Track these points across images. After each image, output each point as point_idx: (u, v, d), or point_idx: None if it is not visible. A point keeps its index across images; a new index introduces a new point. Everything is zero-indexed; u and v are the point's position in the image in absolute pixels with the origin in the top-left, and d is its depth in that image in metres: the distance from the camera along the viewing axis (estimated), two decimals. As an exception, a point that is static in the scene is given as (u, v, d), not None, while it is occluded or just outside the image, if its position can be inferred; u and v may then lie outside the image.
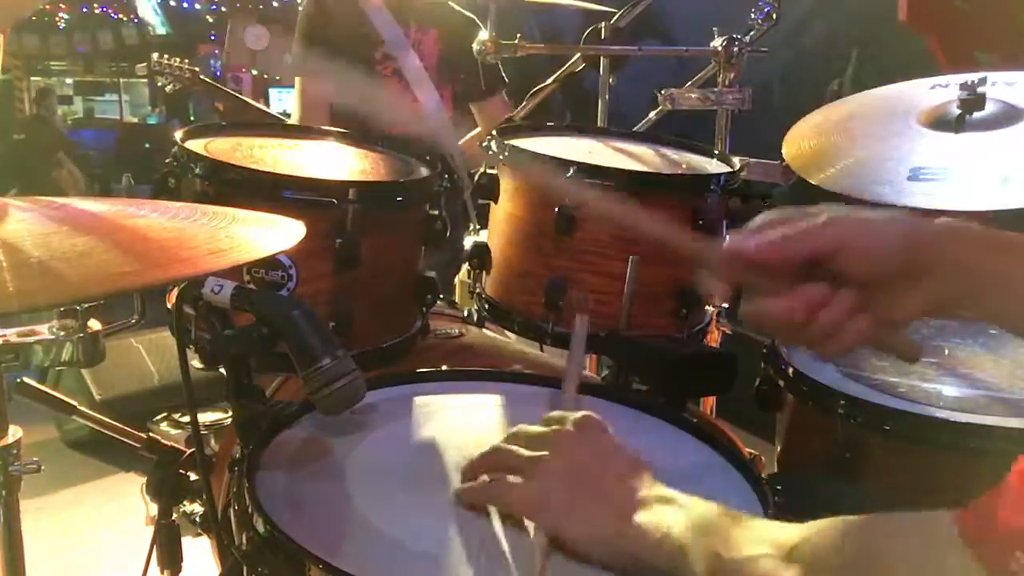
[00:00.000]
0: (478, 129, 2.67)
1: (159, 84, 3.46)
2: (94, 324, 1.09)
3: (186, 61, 3.43)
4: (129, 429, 1.43)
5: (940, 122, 1.45)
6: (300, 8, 2.70)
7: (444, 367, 1.32)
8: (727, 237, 0.85)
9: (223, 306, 1.02)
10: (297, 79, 2.64)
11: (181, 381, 1.06)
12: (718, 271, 0.86)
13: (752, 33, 1.87)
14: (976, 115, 1.43)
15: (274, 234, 0.95)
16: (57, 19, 8.01)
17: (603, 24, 2.06)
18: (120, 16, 8.27)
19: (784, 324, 0.80)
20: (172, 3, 8.17)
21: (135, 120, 8.84)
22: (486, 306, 1.52)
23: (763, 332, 0.85)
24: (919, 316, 0.78)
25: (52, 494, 3.23)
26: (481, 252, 1.51)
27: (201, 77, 3.44)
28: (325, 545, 0.82)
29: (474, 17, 2.54)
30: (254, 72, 7.91)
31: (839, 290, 0.78)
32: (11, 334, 1.06)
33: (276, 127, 1.70)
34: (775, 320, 0.80)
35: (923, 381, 1.27)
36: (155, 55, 3.43)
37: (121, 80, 8.81)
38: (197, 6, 8.31)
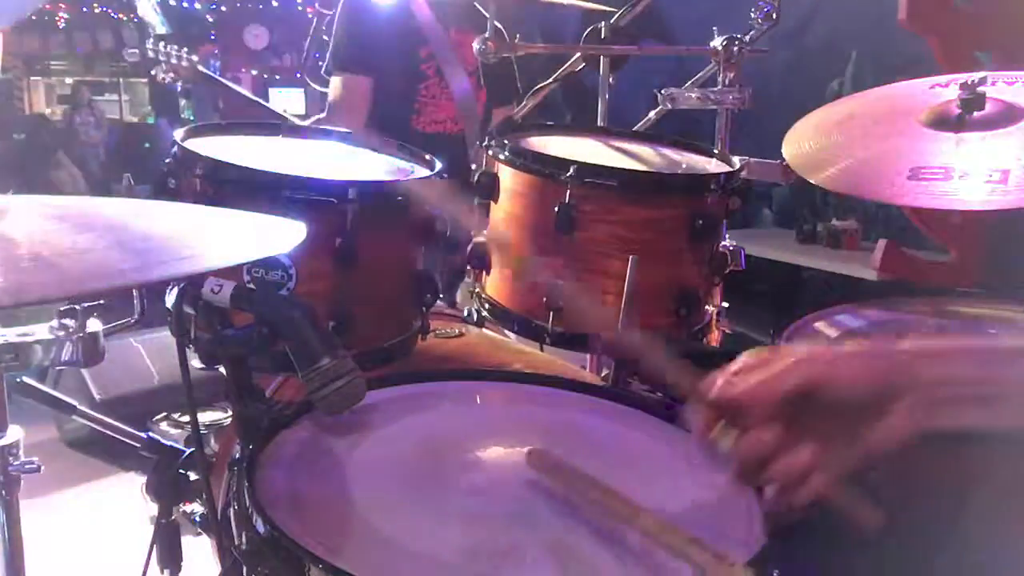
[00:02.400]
0: None
1: (153, 73, 3.09)
2: (94, 324, 1.09)
3: (184, 50, 3.11)
4: (129, 429, 1.43)
5: (940, 122, 1.45)
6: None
7: (444, 367, 1.32)
8: (712, 377, 0.87)
9: (223, 306, 1.02)
10: (339, 77, 2.57)
11: (181, 381, 1.06)
12: (702, 410, 0.87)
13: (752, 33, 1.87)
14: (976, 115, 1.43)
15: (274, 234, 0.95)
16: (57, 19, 8.01)
17: (603, 24, 2.06)
18: (120, 16, 8.27)
19: (747, 462, 0.82)
20: (172, 3, 8.17)
21: (135, 120, 8.84)
22: (486, 306, 1.52)
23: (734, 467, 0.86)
24: (898, 442, 0.79)
25: (52, 494, 3.23)
26: (481, 252, 1.51)
27: (200, 69, 3.16)
28: (325, 545, 0.82)
29: (500, 26, 2.54)
30: (253, 72, 7.93)
31: (800, 440, 0.79)
32: (11, 334, 1.06)
33: (276, 127, 1.70)
34: (739, 456, 0.83)
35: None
36: (149, 41, 3.08)
37: (121, 80, 8.81)
38: (197, 6, 8.31)
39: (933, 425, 0.79)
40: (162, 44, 3.11)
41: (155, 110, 8.11)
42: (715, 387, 0.85)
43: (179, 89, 3.33)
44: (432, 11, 2.52)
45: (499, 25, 2.49)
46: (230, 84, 3.54)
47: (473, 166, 2.36)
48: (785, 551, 0.89)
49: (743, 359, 0.86)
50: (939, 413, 0.77)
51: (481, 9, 2.54)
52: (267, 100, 7.29)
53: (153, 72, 3.11)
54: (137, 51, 3.18)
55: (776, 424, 0.80)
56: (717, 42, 1.86)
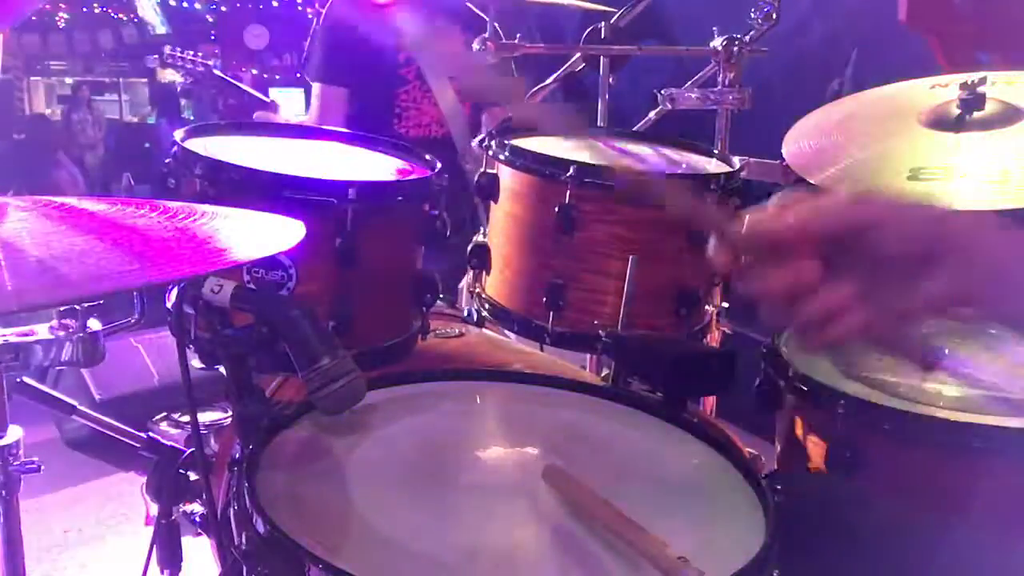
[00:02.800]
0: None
1: (168, 80, 3.43)
2: (94, 324, 1.09)
3: (199, 55, 3.36)
4: (129, 429, 1.43)
5: (940, 122, 1.45)
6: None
7: (444, 367, 1.32)
8: (747, 213, 0.81)
9: (223, 306, 1.02)
10: (317, 86, 2.63)
11: (181, 381, 1.06)
12: (736, 243, 0.81)
13: (752, 33, 1.87)
14: (976, 115, 1.43)
15: (274, 234, 0.95)
16: (57, 19, 8.01)
17: (603, 24, 2.06)
18: (120, 16, 8.27)
19: (778, 299, 0.77)
20: (172, 3, 8.16)
21: (135, 120, 8.83)
22: (486, 306, 1.52)
23: (755, 309, 0.81)
24: (934, 307, 0.76)
25: (52, 494, 3.23)
26: (481, 252, 1.51)
27: (215, 71, 3.38)
28: (325, 545, 0.82)
29: (496, 25, 2.54)
30: (253, 71, 7.92)
31: (843, 276, 0.76)
32: (11, 334, 1.06)
33: (276, 127, 1.70)
34: (769, 293, 0.77)
35: (923, 381, 1.27)
36: (167, 48, 3.34)
37: (121, 80, 8.80)
38: (197, 6, 8.30)
39: (970, 302, 0.76)
40: (178, 50, 3.35)
41: (156, 110, 8.10)
42: (751, 221, 0.79)
43: (179, 90, 3.45)
44: (412, 15, 2.53)
45: (486, 18, 2.49)
46: (241, 86, 3.58)
47: (467, 167, 2.38)
48: (785, 551, 0.89)
49: (781, 196, 0.81)
50: (979, 293, 0.75)
51: (475, 10, 2.55)
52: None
53: (170, 80, 3.29)
54: (157, 57, 3.38)
55: (817, 260, 0.75)
56: (717, 42, 1.86)
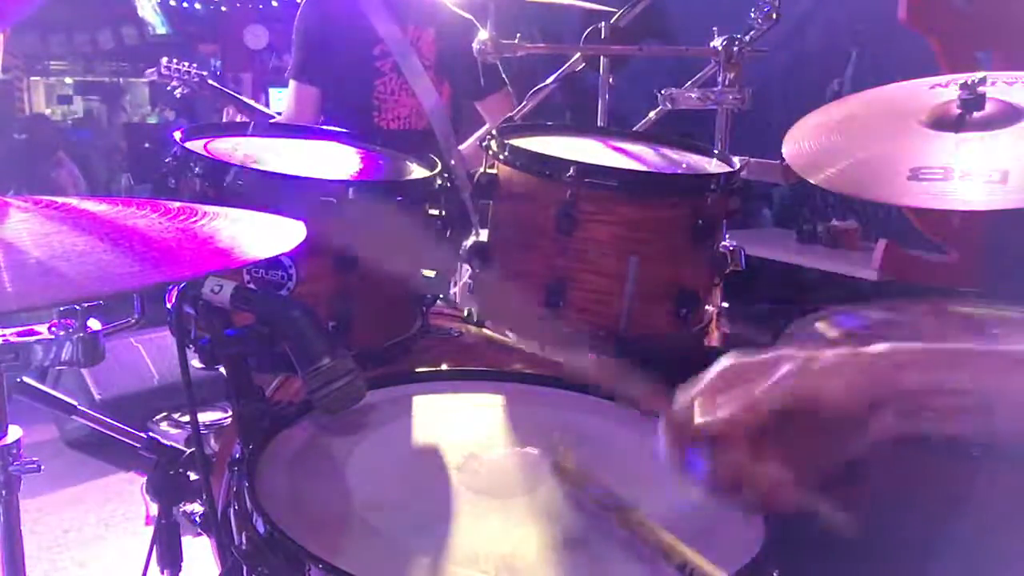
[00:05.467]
0: (484, 128, 2.68)
1: (168, 88, 3.44)
2: (94, 324, 1.08)
3: (194, 66, 3.43)
4: (129, 429, 1.43)
5: (940, 122, 1.45)
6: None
7: (444, 367, 1.32)
8: (682, 397, 0.84)
9: (223, 306, 1.02)
10: (292, 83, 2.66)
11: (181, 381, 1.06)
12: (676, 432, 0.84)
13: (752, 33, 1.87)
14: (976, 115, 1.43)
15: (274, 234, 0.95)
16: (57, 19, 8.00)
17: (603, 24, 2.05)
18: (120, 16, 8.27)
19: (721, 483, 0.81)
20: (172, 3, 8.16)
21: (135, 120, 8.83)
22: (486, 306, 1.52)
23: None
24: (875, 444, 0.78)
25: (52, 494, 3.23)
26: (481, 252, 1.51)
27: (209, 81, 3.44)
28: (325, 545, 0.82)
29: (472, 17, 2.55)
30: (253, 72, 7.91)
31: (777, 453, 0.78)
32: (11, 334, 1.06)
33: (276, 127, 1.71)
34: (716, 478, 0.81)
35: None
36: (164, 59, 3.40)
37: (121, 80, 8.81)
38: (197, 6, 8.30)
39: (916, 432, 0.78)
40: (174, 61, 3.40)
41: (176, 113, 8.11)
42: (690, 410, 0.82)
43: (178, 97, 3.50)
44: (387, 8, 2.54)
45: (469, 16, 2.50)
46: (235, 95, 3.63)
47: (452, 163, 2.38)
48: (785, 551, 0.89)
49: (714, 373, 0.83)
50: (923, 422, 0.76)
51: (459, 11, 2.55)
52: (267, 99, 7.29)
53: (169, 88, 3.43)
54: (155, 70, 3.41)
55: (753, 443, 0.78)
56: (717, 42, 1.86)
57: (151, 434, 1.37)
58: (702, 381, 0.83)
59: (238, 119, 3.24)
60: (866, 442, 0.77)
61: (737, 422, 0.78)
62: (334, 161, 1.55)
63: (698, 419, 0.81)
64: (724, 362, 0.83)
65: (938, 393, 0.76)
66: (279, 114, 3.55)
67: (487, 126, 2.67)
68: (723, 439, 0.79)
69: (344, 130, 1.66)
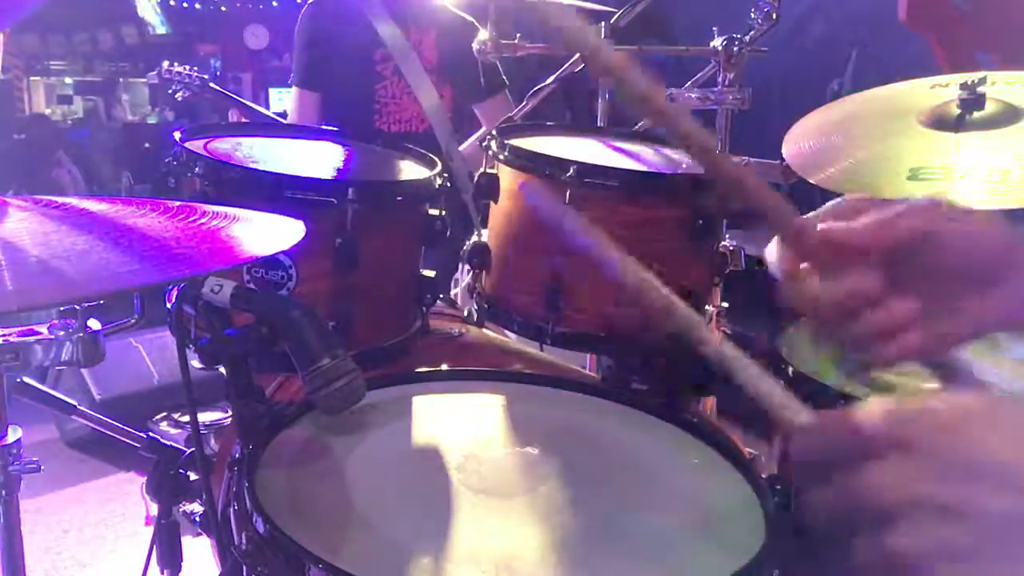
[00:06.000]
0: (483, 130, 2.69)
1: (170, 91, 3.45)
2: (94, 324, 1.09)
3: (195, 69, 3.44)
4: (129, 429, 1.43)
5: (940, 122, 1.45)
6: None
7: (444, 367, 1.32)
8: (811, 215, 0.76)
9: (223, 306, 1.02)
10: (294, 89, 2.67)
11: (181, 381, 1.06)
12: (804, 248, 0.76)
13: (752, 33, 1.87)
14: (976, 115, 1.43)
15: (274, 234, 0.95)
16: (57, 19, 8.00)
17: (603, 24, 2.06)
18: (120, 16, 8.27)
19: (836, 311, 0.72)
20: (172, 3, 8.16)
21: (135, 120, 8.83)
22: (486, 306, 1.52)
23: (806, 316, 0.76)
24: (984, 328, 0.73)
25: (52, 494, 3.23)
26: (481, 252, 1.51)
27: (211, 85, 3.45)
28: (325, 545, 0.82)
29: (473, 20, 2.55)
30: (253, 72, 7.91)
31: (904, 291, 0.72)
32: (11, 334, 1.06)
33: (275, 127, 1.71)
34: (827, 305, 0.73)
35: (924, 381, 1.27)
36: (165, 63, 3.41)
37: (121, 80, 8.80)
38: (197, 6, 8.30)
39: (1015, 326, 0.74)
40: (175, 64, 3.41)
41: (177, 113, 8.11)
42: (814, 225, 0.74)
43: (179, 100, 3.50)
44: (388, 12, 2.54)
45: (470, 18, 2.50)
46: (236, 97, 3.65)
47: (452, 164, 2.38)
48: (785, 551, 0.89)
49: (845, 200, 0.76)
50: None
51: (459, 12, 2.55)
52: (267, 100, 7.29)
53: (171, 91, 3.44)
54: (156, 73, 3.42)
55: (879, 270, 0.71)
56: (717, 42, 1.86)
57: (151, 434, 1.37)
58: (824, 207, 0.75)
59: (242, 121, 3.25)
60: (988, 317, 0.71)
61: (865, 236, 0.71)
62: (334, 161, 1.55)
63: (830, 225, 0.73)
64: (845, 197, 0.76)
65: None
66: (281, 114, 3.56)
67: (484, 127, 2.68)
68: (857, 250, 0.71)
69: (344, 130, 1.66)
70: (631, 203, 1.37)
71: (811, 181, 1.43)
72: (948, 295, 0.72)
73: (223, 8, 8.22)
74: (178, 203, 1.00)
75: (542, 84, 2.11)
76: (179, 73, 3.38)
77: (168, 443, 1.36)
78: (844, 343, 0.75)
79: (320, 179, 1.36)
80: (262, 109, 3.76)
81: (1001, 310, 0.72)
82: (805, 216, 0.75)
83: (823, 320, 0.75)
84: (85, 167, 7.05)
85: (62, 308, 1.06)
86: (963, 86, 1.43)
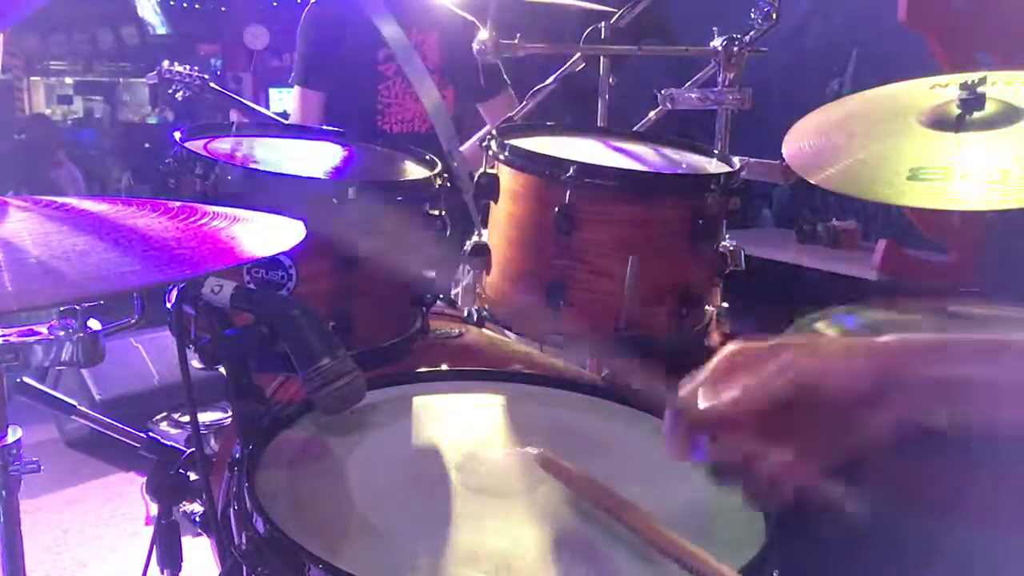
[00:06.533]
0: (484, 129, 2.69)
1: (170, 91, 3.44)
2: (94, 324, 1.08)
3: (196, 68, 3.43)
4: (129, 429, 1.43)
5: (940, 122, 1.45)
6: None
7: (444, 367, 1.32)
8: (686, 386, 0.83)
9: (223, 306, 1.02)
10: (296, 89, 2.67)
11: (181, 381, 1.06)
12: (681, 421, 0.83)
13: (752, 33, 1.87)
14: (976, 115, 1.43)
15: (274, 234, 0.95)
16: (57, 19, 8.00)
17: (603, 24, 2.06)
18: (120, 16, 8.26)
19: (724, 469, 0.80)
20: (172, 3, 8.16)
21: (135, 120, 8.83)
22: (486, 306, 1.52)
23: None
24: (883, 442, 0.77)
25: (52, 494, 3.23)
26: (481, 252, 1.51)
27: (211, 84, 3.45)
28: (325, 545, 0.82)
29: (474, 20, 2.55)
30: (253, 72, 7.91)
31: (780, 439, 0.77)
32: (11, 334, 1.06)
33: (276, 127, 1.71)
34: (719, 462, 0.80)
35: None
36: (165, 63, 3.41)
37: (121, 80, 8.80)
38: (197, 6, 8.30)
39: (921, 424, 0.77)
40: (175, 64, 3.41)
41: (177, 114, 8.11)
42: (694, 396, 0.82)
43: (180, 100, 3.50)
44: (391, 13, 2.54)
45: (472, 18, 2.50)
46: (236, 97, 3.66)
47: (454, 165, 2.38)
48: (785, 551, 0.89)
49: (719, 359, 0.83)
50: (928, 413, 0.76)
51: (460, 12, 2.55)
52: (267, 100, 7.28)
53: (171, 91, 3.42)
54: (156, 73, 3.41)
55: (757, 427, 0.78)
56: (717, 42, 1.86)
57: (151, 434, 1.37)
58: (707, 368, 0.83)
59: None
60: (870, 435, 0.76)
61: (741, 406, 0.78)
62: (334, 161, 1.55)
63: (702, 403, 0.80)
64: (729, 348, 0.83)
65: (944, 383, 0.75)
66: (281, 114, 3.56)
67: (488, 127, 2.68)
68: (727, 423, 0.78)
69: (345, 131, 1.66)
70: (631, 203, 1.37)
71: (811, 181, 1.43)
72: (830, 427, 0.77)
73: (223, 8, 8.22)
74: (178, 203, 1.00)
75: (542, 84, 2.11)
76: (179, 73, 3.38)
77: (168, 443, 1.36)
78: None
79: (320, 179, 1.36)
80: (262, 109, 3.76)
81: (885, 431, 0.76)
82: (685, 387, 0.83)
83: (721, 475, 0.82)
84: (85, 167, 7.05)
85: (62, 308, 1.06)
86: (963, 86, 1.43)
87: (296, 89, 2.67)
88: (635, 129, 1.93)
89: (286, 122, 2.79)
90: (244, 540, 0.89)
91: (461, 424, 1.14)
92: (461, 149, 2.57)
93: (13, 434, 1.13)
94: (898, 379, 0.76)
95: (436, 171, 1.43)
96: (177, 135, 1.38)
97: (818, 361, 0.78)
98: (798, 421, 0.77)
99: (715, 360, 0.83)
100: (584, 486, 0.94)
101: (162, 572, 1.35)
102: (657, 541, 0.85)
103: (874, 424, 0.76)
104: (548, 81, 2.11)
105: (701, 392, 0.81)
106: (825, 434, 0.78)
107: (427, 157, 1.52)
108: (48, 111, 8.58)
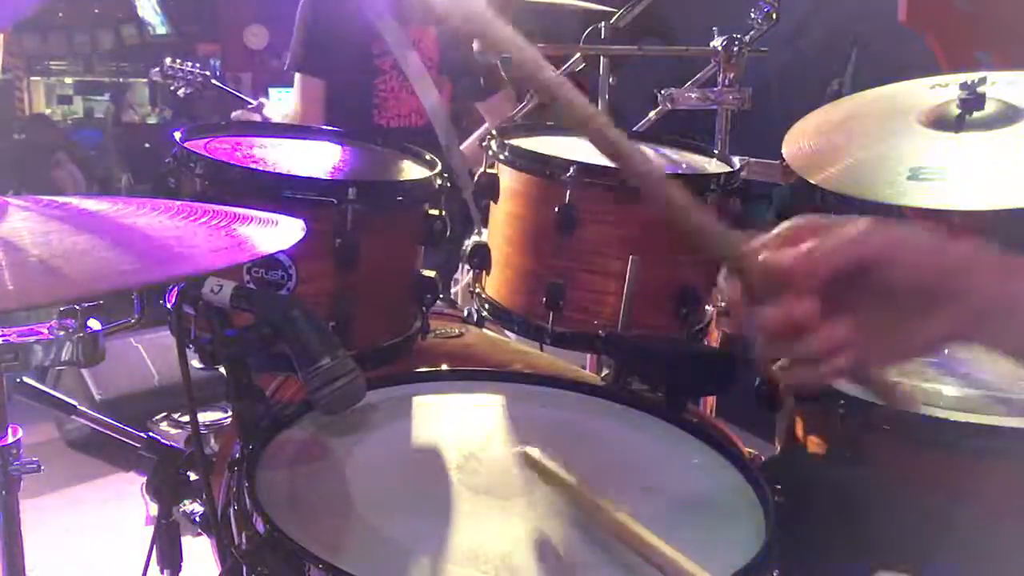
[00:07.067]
0: (483, 128, 2.68)
1: (172, 88, 3.46)
2: (94, 324, 1.08)
3: (197, 66, 3.46)
4: (129, 429, 1.43)
5: (940, 122, 1.45)
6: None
7: (444, 367, 1.32)
8: (756, 241, 0.79)
9: (223, 306, 1.02)
10: (297, 76, 2.65)
11: (181, 381, 1.06)
12: (744, 276, 0.80)
13: (752, 33, 1.87)
14: (976, 115, 1.43)
15: (274, 234, 0.95)
16: (57, 19, 8.00)
17: (603, 24, 2.06)
18: (120, 16, 8.26)
19: (776, 334, 0.76)
20: (172, 2, 8.15)
21: (135, 120, 8.83)
22: (486, 306, 1.52)
23: (749, 338, 0.80)
24: (932, 345, 0.76)
25: (52, 494, 3.23)
26: (481, 252, 1.51)
27: (213, 81, 3.46)
28: (325, 545, 0.82)
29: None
30: (253, 72, 7.91)
31: (840, 315, 0.74)
32: (11, 334, 1.05)
33: (276, 127, 1.71)
34: (767, 327, 0.76)
35: (923, 381, 1.27)
36: (167, 60, 3.44)
37: (121, 80, 8.80)
38: (197, 6, 8.30)
39: (971, 339, 0.76)
40: (177, 61, 3.45)
41: (176, 112, 8.11)
42: (761, 253, 0.77)
43: (181, 97, 3.50)
44: (388, 7, 2.53)
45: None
46: (237, 94, 3.65)
47: (452, 163, 2.38)
48: (785, 551, 0.89)
49: (794, 223, 0.79)
50: (981, 329, 0.73)
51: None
52: (267, 100, 7.28)
53: (173, 88, 3.47)
54: (159, 69, 3.44)
55: (818, 296, 0.74)
56: (717, 42, 1.86)
57: (151, 434, 1.37)
58: (775, 231, 0.78)
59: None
60: (923, 339, 0.74)
61: (810, 264, 0.74)
62: (334, 161, 1.55)
63: (762, 259, 0.76)
64: (795, 220, 0.79)
65: (1006, 301, 0.72)
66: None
67: (487, 125, 2.68)
68: (794, 280, 0.74)
69: (344, 130, 1.66)
70: (631, 203, 1.37)
71: (811, 181, 1.43)
72: (893, 314, 0.74)
73: (223, 8, 8.22)
74: (178, 203, 1.00)
75: (542, 84, 2.10)
76: (181, 69, 3.41)
77: (168, 443, 1.36)
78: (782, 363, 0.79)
79: (320, 179, 1.36)
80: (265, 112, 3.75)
81: (946, 327, 0.74)
82: (752, 242, 0.79)
83: (764, 341, 0.78)
84: (85, 167, 7.05)
85: (62, 308, 1.06)
86: (963, 86, 1.43)
87: (296, 76, 2.64)
88: (635, 129, 1.93)
89: (289, 113, 2.77)
90: (244, 540, 0.89)
91: (461, 424, 1.14)
92: (461, 148, 2.56)
93: (13, 434, 1.13)
94: (958, 289, 0.73)
95: (436, 171, 1.43)
96: (177, 135, 1.38)
97: (886, 244, 0.75)
98: (862, 297, 0.74)
99: (784, 224, 0.79)
100: (563, 487, 0.93)
101: (162, 572, 1.35)
102: (631, 541, 0.84)
103: (933, 324, 0.73)
104: (548, 81, 2.10)
105: (766, 250, 0.77)
106: (888, 316, 0.74)
107: (427, 157, 1.52)
108: (48, 111, 8.58)
